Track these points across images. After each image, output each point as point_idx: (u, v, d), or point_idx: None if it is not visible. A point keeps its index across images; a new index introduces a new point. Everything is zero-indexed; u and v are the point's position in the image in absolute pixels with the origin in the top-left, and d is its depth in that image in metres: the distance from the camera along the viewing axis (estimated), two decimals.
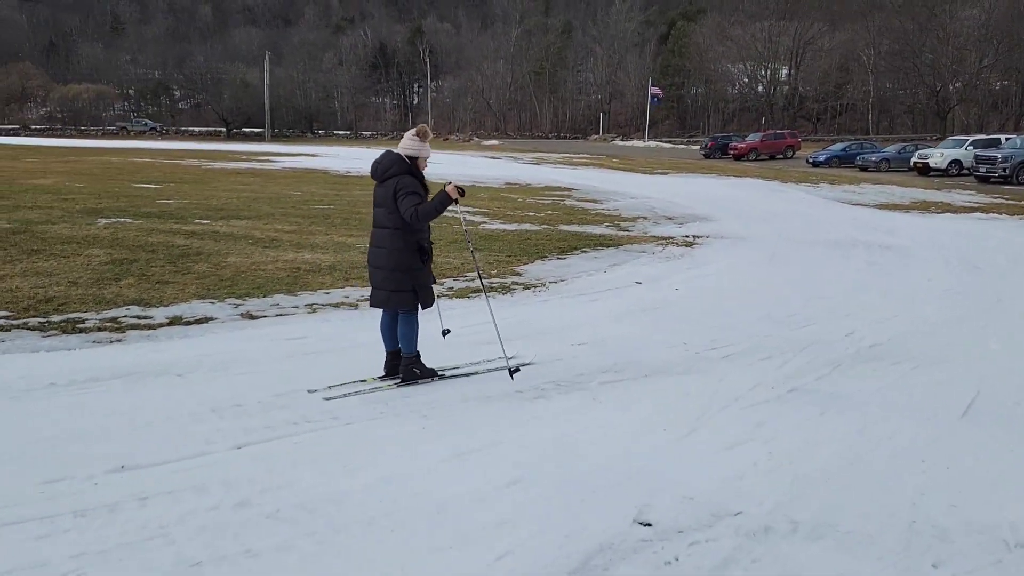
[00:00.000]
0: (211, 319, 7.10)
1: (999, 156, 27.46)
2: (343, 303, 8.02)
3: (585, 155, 48.12)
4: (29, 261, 9.72)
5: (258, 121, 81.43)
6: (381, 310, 5.32)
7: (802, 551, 3.08)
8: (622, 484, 3.63)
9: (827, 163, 38.38)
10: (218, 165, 33.52)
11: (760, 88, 76.47)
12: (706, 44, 76.32)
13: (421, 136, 5.10)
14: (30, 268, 9.27)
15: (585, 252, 12.14)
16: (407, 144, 5.09)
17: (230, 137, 79.53)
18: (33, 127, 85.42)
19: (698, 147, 53.79)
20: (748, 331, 7.07)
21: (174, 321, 6.96)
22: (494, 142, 73.08)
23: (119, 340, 6.15)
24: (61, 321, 6.74)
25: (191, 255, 10.49)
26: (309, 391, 4.95)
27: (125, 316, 7.06)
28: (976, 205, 20.43)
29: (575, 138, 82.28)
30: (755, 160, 43.88)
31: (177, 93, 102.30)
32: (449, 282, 9.15)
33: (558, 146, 64.66)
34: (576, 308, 8.12)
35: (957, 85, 61.43)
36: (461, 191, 5.01)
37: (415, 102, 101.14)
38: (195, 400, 4.61)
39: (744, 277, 10.21)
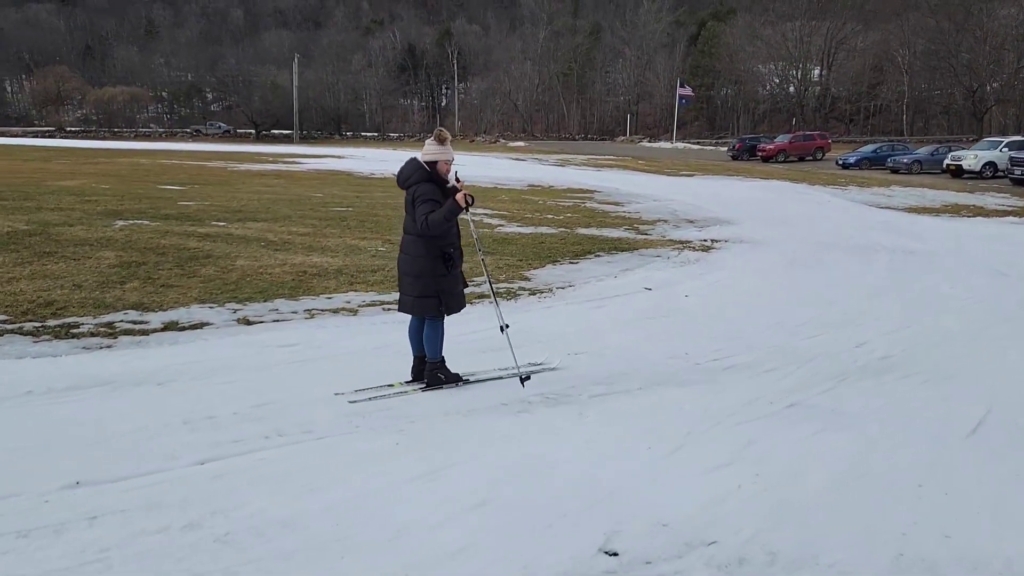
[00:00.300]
0: (207, 324, 7.03)
1: None
2: (343, 309, 7.91)
3: (611, 156, 47.76)
4: (39, 263, 9.74)
5: (287, 123, 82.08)
6: (408, 315, 5.37)
7: None
8: (594, 508, 3.45)
9: (857, 165, 37.66)
10: (244, 167, 33.77)
11: (791, 89, 75.36)
12: (736, 45, 75.42)
13: (439, 140, 5.12)
14: (39, 270, 9.28)
15: (599, 256, 11.93)
16: (426, 149, 5.14)
17: (259, 139, 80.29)
18: (68, 129, 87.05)
19: (726, 149, 53.13)
20: (755, 340, 6.83)
21: (169, 327, 6.89)
22: (520, 143, 72.91)
23: (109, 347, 6.09)
24: (56, 326, 6.71)
25: (200, 258, 10.45)
26: (336, 394, 4.98)
27: (121, 321, 7.00)
28: (1009, 209, 19.85)
29: (602, 139, 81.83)
30: (783, 162, 43.20)
31: (209, 95, 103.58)
32: None
33: (584, 147, 64.32)
34: (580, 315, 7.93)
35: (995, 85, 59.94)
36: (471, 199, 4.99)
37: (443, 104, 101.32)
38: (169, 411, 4.51)
39: (758, 283, 9.93)
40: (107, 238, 11.88)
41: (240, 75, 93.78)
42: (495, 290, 6.02)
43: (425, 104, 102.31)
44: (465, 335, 6.40)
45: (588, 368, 5.81)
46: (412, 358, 5.38)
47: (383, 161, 37.71)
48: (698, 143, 70.43)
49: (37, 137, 73.87)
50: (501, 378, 5.50)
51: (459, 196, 4.95)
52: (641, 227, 15.96)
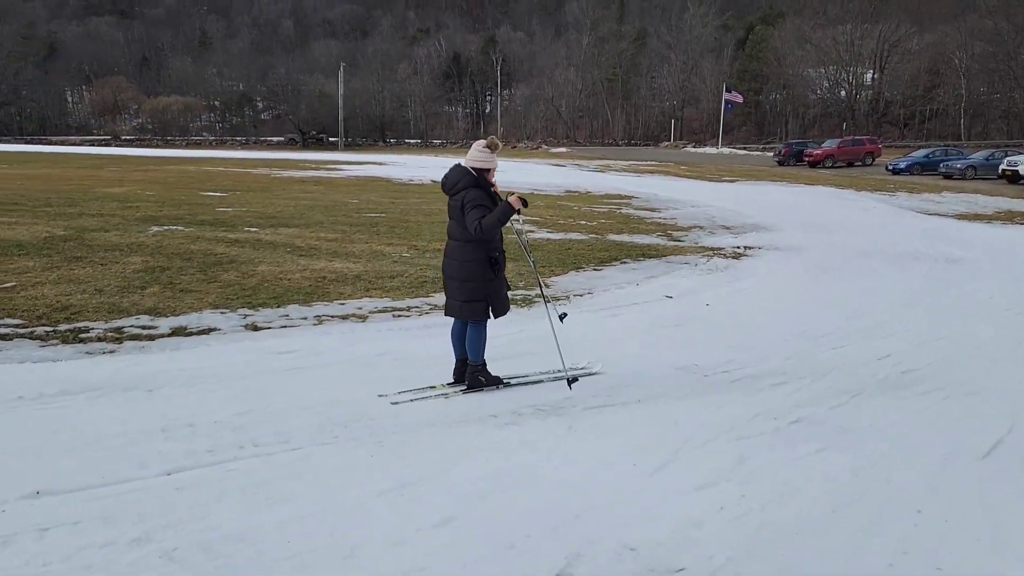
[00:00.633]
0: (214, 330, 7.02)
1: None
2: (352, 315, 7.84)
3: (653, 162, 47.25)
4: (67, 268, 9.89)
5: (333, 130, 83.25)
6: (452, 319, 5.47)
7: None
8: (561, 528, 3.27)
9: (908, 170, 36.58)
10: (286, 174, 34.19)
11: (842, 93, 73.69)
12: (784, 49, 74.07)
13: (491, 148, 5.21)
14: (65, 275, 9.42)
15: (624, 263, 11.69)
16: (475, 156, 5.18)
17: (305, 146, 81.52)
18: (123, 137, 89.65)
19: (772, 154, 52.17)
20: (771, 351, 6.57)
21: (176, 332, 6.90)
22: (562, 149, 72.65)
23: (112, 352, 6.11)
24: (67, 331, 6.76)
25: (224, 263, 10.51)
26: (379, 395, 5.04)
27: (131, 326, 7.04)
28: None
29: (646, 145, 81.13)
30: (831, 167, 42.20)
31: (260, 104, 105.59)
32: None
33: (627, 153, 63.77)
34: (593, 324, 7.72)
35: None
36: (524, 202, 5.06)
37: (487, 111, 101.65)
38: (151, 418, 4.46)
39: (786, 291, 9.61)
40: (138, 243, 12.04)
41: (289, 84, 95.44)
42: (545, 294, 6.06)
43: (469, 111, 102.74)
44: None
45: (588, 379, 5.62)
46: (454, 360, 5.48)
47: (422, 168, 37.85)
48: (744, 148, 69.34)
49: (93, 145, 76.13)
50: (541, 381, 5.55)
51: (512, 199, 5.04)
52: (675, 233, 15.66)
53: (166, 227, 14.21)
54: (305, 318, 7.66)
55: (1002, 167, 30.91)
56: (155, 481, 3.62)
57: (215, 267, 10.18)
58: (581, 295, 9.22)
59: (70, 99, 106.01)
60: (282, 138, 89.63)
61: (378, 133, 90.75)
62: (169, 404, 4.72)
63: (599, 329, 7.51)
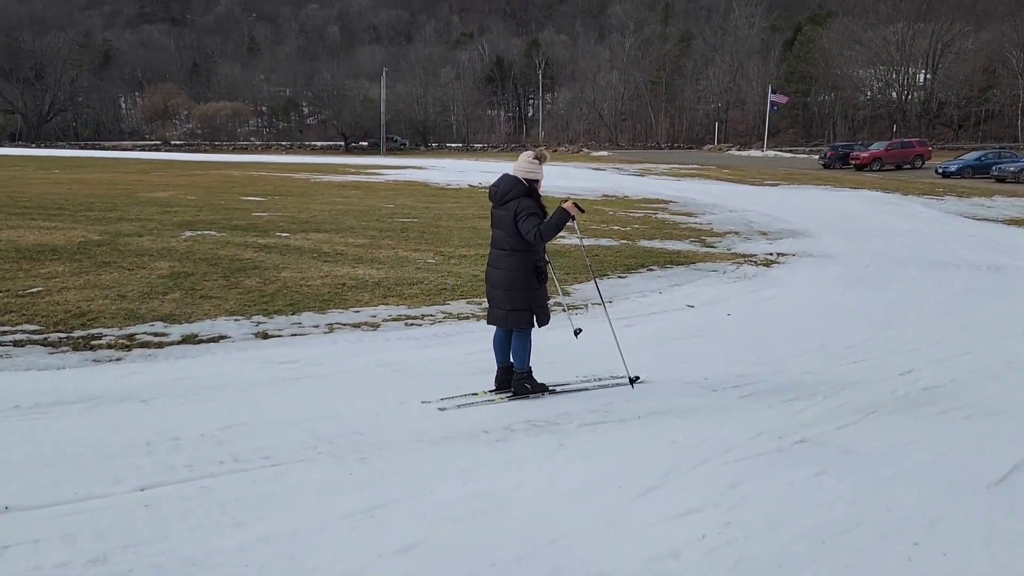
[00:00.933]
0: (224, 338, 7.03)
1: None
2: (365, 323, 7.79)
3: (695, 166, 46.65)
4: (95, 273, 10.03)
5: (376, 135, 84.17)
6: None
7: None
8: (529, 557, 3.13)
9: (959, 173, 35.44)
10: (326, 178, 34.57)
11: (893, 94, 71.79)
12: (833, 49, 72.46)
13: (540, 159, 5.29)
14: (91, 281, 9.55)
15: (651, 270, 11.48)
16: (526, 167, 5.24)
17: (348, 151, 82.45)
18: (173, 143, 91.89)
19: (818, 157, 51.08)
20: (787, 365, 6.33)
21: (187, 339, 6.92)
22: (603, 153, 72.19)
23: (118, 359, 6.14)
24: (80, 337, 6.83)
25: (248, 269, 10.56)
26: (422, 402, 5.13)
27: (143, 333, 7.08)
28: None
29: (689, 148, 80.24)
30: (878, 170, 41.10)
31: (306, 109, 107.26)
32: None
33: (669, 156, 63.10)
34: (607, 334, 7.54)
35: None
36: (579, 208, 5.20)
37: (529, 114, 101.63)
38: (139, 430, 4.44)
39: (812, 301, 9.30)
40: (169, 248, 12.18)
41: (335, 89, 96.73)
42: (604, 297, 6.06)
43: (511, 115, 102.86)
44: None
45: (591, 392, 5.48)
46: (496, 368, 5.55)
47: (460, 172, 37.95)
48: (790, 151, 68.07)
49: (144, 151, 78.14)
50: (587, 389, 5.58)
51: (568, 204, 5.17)
52: (708, 239, 15.37)
53: (200, 232, 14.38)
54: (317, 326, 7.63)
55: None
56: (125, 498, 3.58)
57: (239, 273, 10.24)
58: (600, 304, 9.04)
59: (123, 105, 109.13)
60: (327, 142, 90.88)
61: (420, 137, 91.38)
62: (160, 416, 4.70)
63: (610, 340, 7.32)
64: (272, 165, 48.87)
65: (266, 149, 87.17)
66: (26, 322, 7.30)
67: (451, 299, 9.10)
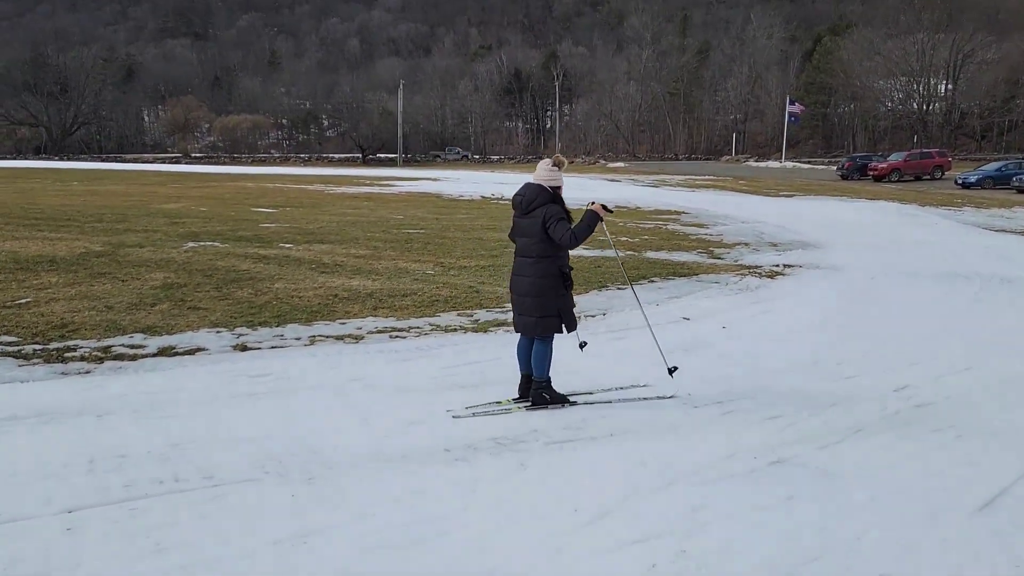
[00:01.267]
0: (201, 350, 6.90)
1: None
2: (349, 336, 7.64)
3: (710, 176, 46.28)
4: (87, 284, 9.96)
5: (393, 147, 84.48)
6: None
7: None
8: None
9: (979, 184, 34.83)
10: (340, 190, 34.61)
11: (914, 105, 70.96)
12: (853, 60, 71.82)
13: (558, 166, 5.39)
14: (82, 292, 9.48)
15: (652, 282, 11.26)
16: (547, 175, 5.32)
17: (365, 163, 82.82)
18: (194, 155, 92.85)
19: (836, 168, 50.52)
20: (775, 381, 6.09)
21: (163, 352, 6.80)
22: (619, 164, 71.92)
23: (87, 372, 6.02)
24: (54, 349, 6.73)
25: (243, 280, 10.46)
26: (447, 411, 5.13)
27: (120, 345, 6.98)
28: None
29: (707, 159, 79.78)
30: (897, 181, 40.53)
31: (325, 122, 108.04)
32: None
33: (685, 167, 62.73)
34: (593, 348, 7.33)
35: None
36: (607, 208, 5.32)
37: (547, 126, 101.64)
38: (84, 447, 4.29)
39: (813, 315, 9.03)
40: (167, 260, 12.11)
41: (353, 101, 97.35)
42: (640, 301, 5.96)
43: (529, 126, 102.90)
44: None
45: (564, 410, 5.28)
46: (520, 376, 5.57)
47: (475, 184, 37.87)
48: (809, 162, 67.46)
49: (164, 163, 78.96)
50: (610, 402, 5.52)
51: (595, 206, 5.29)
52: (716, 250, 15.12)
53: (203, 243, 14.32)
54: (299, 338, 7.50)
55: None
56: (49, 520, 3.42)
57: (232, 284, 10.14)
58: (594, 316, 8.86)
59: (146, 118, 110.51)
60: (345, 154, 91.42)
61: (438, 149, 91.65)
62: (111, 431, 4.56)
63: (595, 353, 7.12)
64: (288, 177, 49.07)
65: (285, 161, 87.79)
66: (5, 333, 7.23)
67: (442, 311, 8.94)
